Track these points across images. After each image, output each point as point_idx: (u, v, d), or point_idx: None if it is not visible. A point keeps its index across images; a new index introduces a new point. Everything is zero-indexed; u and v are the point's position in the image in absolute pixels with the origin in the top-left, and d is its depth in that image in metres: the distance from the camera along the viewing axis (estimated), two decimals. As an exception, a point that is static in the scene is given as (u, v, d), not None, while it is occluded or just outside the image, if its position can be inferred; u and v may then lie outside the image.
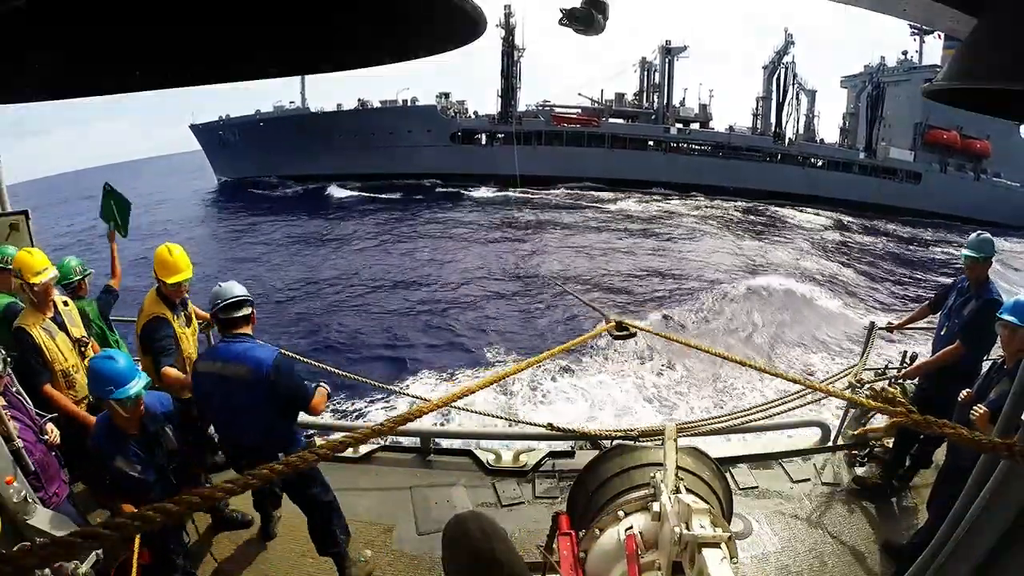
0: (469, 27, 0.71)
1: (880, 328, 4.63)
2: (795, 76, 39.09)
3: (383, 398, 9.21)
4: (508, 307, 14.96)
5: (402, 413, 1.12)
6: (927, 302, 4.33)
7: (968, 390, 3.25)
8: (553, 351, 2.85)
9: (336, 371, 4.65)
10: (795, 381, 2.55)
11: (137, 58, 0.65)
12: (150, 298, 3.51)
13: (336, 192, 36.28)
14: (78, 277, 3.91)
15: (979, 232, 3.93)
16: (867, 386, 4.31)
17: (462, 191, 35.66)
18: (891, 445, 4.24)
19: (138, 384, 2.63)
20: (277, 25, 0.65)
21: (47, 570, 2.23)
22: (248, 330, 2.94)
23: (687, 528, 1.43)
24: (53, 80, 0.69)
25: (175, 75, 0.70)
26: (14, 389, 2.78)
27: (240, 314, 2.89)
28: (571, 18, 1.96)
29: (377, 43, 0.74)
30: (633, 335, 2.95)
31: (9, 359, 2.79)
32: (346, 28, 0.68)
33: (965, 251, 3.78)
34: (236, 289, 2.92)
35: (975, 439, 0.97)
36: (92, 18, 0.58)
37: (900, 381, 4.36)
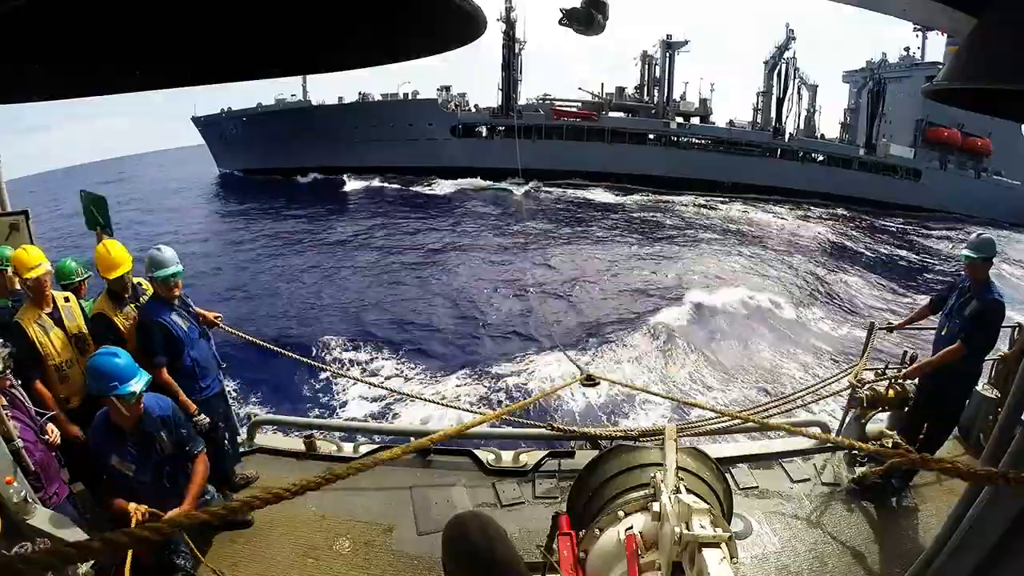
0: (469, 27, 0.72)
1: (880, 328, 4.62)
2: (796, 70, 38.89)
3: (370, 395, 9.24)
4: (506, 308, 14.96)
5: (386, 447, 1.14)
6: (927, 302, 4.33)
7: None
8: (526, 402, 3.00)
9: (322, 366, 4.65)
10: (793, 429, 2.55)
11: (137, 58, 0.65)
12: (100, 297, 3.65)
13: (354, 184, 36.22)
14: (78, 279, 3.92)
15: (979, 232, 3.93)
16: (867, 386, 4.32)
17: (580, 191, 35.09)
18: (890, 446, 4.23)
19: (141, 381, 2.67)
20: (277, 25, 0.65)
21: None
22: (163, 293, 3.49)
23: (687, 528, 1.43)
24: (53, 80, 0.69)
25: (175, 75, 0.70)
26: (13, 388, 2.78)
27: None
28: (571, 18, 1.97)
29: (377, 43, 0.74)
30: (597, 384, 3.61)
31: (9, 358, 2.80)
32: (346, 28, 0.69)
33: (965, 251, 3.78)
34: (167, 262, 3.40)
35: (970, 471, 0.99)
36: (92, 18, 0.58)
37: (900, 381, 4.36)
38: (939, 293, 4.23)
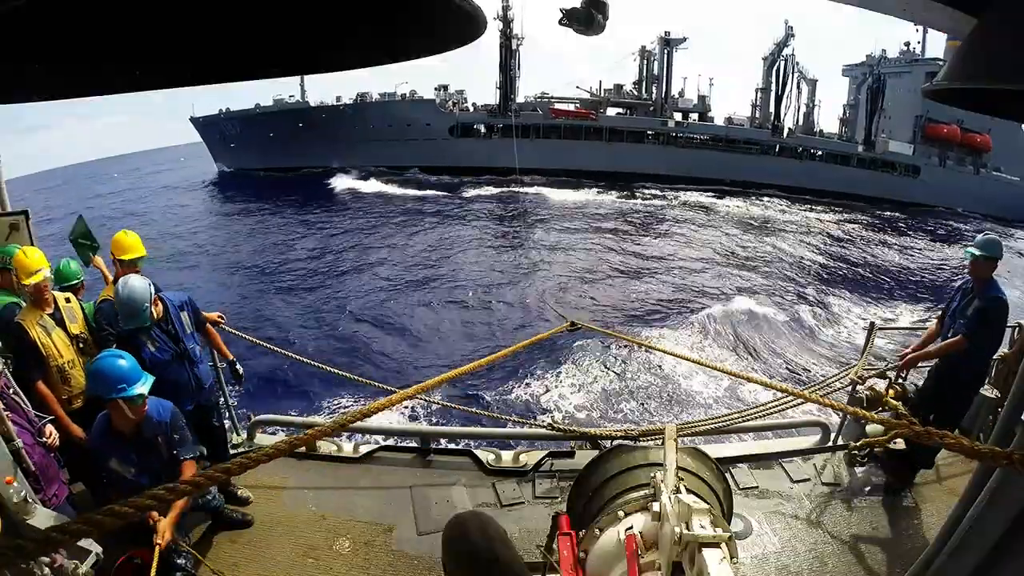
0: (469, 27, 0.72)
1: (895, 366, 4.42)
2: (796, 65, 38.67)
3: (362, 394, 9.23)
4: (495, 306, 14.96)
5: (359, 409, 1.13)
6: (935, 324, 4.22)
7: None
8: (515, 347, 3.04)
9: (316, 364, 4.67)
10: (783, 390, 2.54)
11: (137, 58, 0.65)
12: (109, 287, 3.73)
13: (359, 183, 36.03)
14: (76, 281, 3.91)
15: (986, 232, 3.94)
16: (868, 386, 4.32)
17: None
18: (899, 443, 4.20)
19: (146, 384, 2.69)
20: (277, 25, 0.66)
21: (47, 569, 2.24)
22: None
23: (687, 528, 1.43)
24: (53, 80, 0.69)
25: (175, 75, 0.70)
26: (11, 391, 2.78)
27: None
28: (571, 18, 1.97)
29: (377, 43, 0.74)
30: (580, 329, 3.83)
31: (8, 361, 2.81)
32: (346, 28, 0.69)
33: (971, 249, 3.77)
34: (136, 305, 3.12)
35: (975, 449, 0.98)
36: (92, 18, 0.58)
37: (901, 381, 4.36)
38: (944, 308, 4.17)
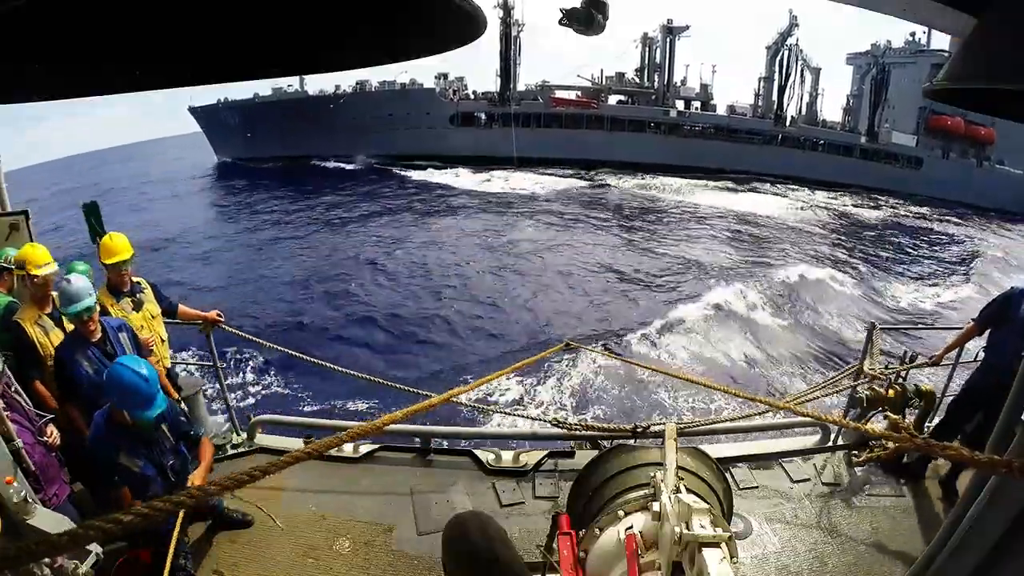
0: (469, 27, 0.72)
1: (925, 363, 4.40)
2: (800, 52, 38.57)
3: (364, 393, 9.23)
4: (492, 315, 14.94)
5: (371, 422, 1.15)
6: (973, 324, 4.10)
7: None
8: (508, 369, 3.07)
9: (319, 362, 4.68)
10: (786, 408, 2.54)
11: (137, 58, 0.65)
12: (100, 290, 3.62)
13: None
14: None
15: None
16: (868, 386, 4.32)
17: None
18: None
19: (165, 402, 2.68)
20: (278, 25, 0.66)
21: (47, 570, 2.24)
22: (79, 327, 3.21)
23: (687, 528, 1.43)
24: (53, 80, 0.69)
25: (175, 75, 0.70)
26: (12, 389, 2.78)
27: None
28: (571, 18, 1.97)
29: (377, 43, 0.74)
30: (576, 350, 3.80)
31: (8, 359, 2.81)
32: (346, 28, 0.69)
33: None
34: (78, 295, 3.05)
35: (975, 458, 0.98)
36: (92, 18, 0.58)
37: (901, 381, 4.36)
38: (986, 314, 4.02)
